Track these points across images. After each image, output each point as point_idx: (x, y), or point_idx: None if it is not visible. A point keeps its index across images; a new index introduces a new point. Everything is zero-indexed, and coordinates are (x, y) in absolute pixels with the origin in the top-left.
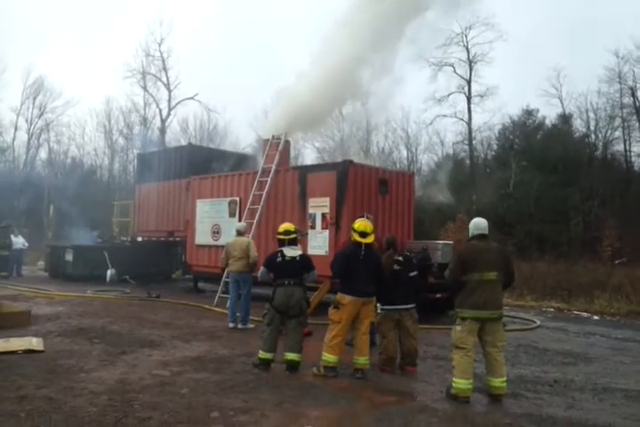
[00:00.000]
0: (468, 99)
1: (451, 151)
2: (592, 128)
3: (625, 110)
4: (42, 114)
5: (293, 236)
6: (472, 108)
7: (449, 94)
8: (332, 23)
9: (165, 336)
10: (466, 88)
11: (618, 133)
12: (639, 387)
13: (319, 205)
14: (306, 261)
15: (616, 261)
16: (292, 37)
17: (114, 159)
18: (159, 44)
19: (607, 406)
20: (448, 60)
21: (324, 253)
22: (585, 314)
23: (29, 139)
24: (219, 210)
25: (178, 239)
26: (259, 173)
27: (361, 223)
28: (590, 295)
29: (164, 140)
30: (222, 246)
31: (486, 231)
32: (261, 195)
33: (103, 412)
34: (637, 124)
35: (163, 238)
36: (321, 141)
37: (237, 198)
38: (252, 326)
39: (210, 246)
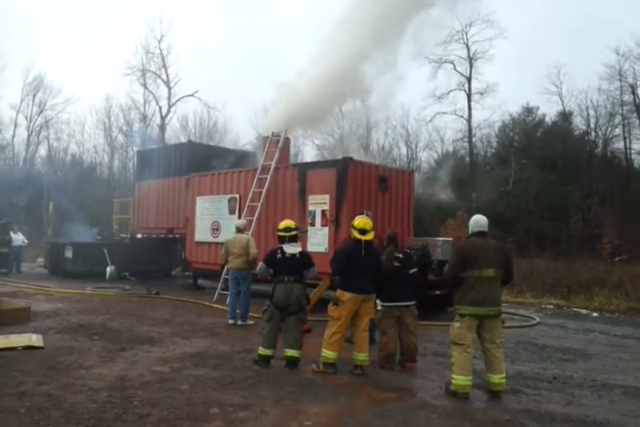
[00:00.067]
0: (468, 96)
1: (450, 149)
2: (592, 126)
3: (625, 108)
4: (41, 111)
5: (294, 233)
6: (472, 106)
7: (449, 91)
8: (333, 20)
9: (165, 333)
10: (466, 85)
11: (618, 131)
12: (638, 383)
13: (319, 203)
14: (306, 258)
15: (615, 259)
16: (292, 34)
17: (113, 156)
18: (159, 42)
19: (606, 402)
20: (448, 58)
21: (323, 251)
22: (584, 311)
23: (29, 136)
24: (218, 207)
25: (177, 236)
26: (258, 171)
27: (360, 220)
28: (590, 292)
29: (164, 138)
30: (222, 243)
31: (486, 229)
32: (261, 192)
33: (103, 408)
34: (637, 121)
35: (162, 235)
36: (321, 139)
37: (237, 195)
38: (251, 322)
39: (209, 243)
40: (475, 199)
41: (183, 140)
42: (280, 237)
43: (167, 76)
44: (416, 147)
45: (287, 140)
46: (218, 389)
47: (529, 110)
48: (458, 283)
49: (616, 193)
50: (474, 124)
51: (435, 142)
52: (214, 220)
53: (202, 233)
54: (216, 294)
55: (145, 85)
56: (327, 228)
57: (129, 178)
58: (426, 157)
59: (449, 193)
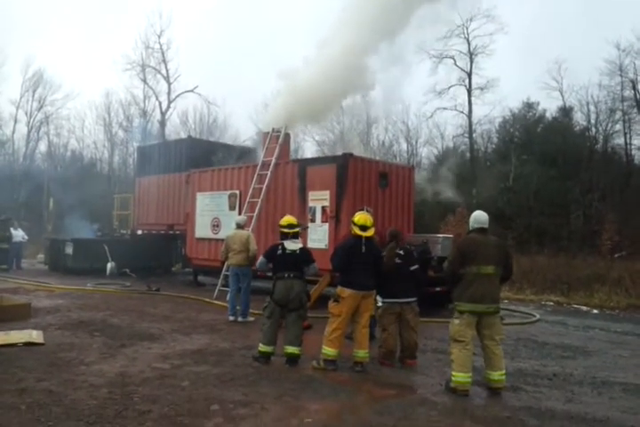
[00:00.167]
0: (469, 91)
1: (451, 144)
2: (592, 121)
3: (626, 103)
4: (41, 107)
5: (297, 230)
6: (472, 101)
7: (449, 87)
8: (336, 12)
9: (165, 329)
10: (466, 81)
11: (618, 127)
12: (638, 381)
13: (319, 199)
14: (306, 255)
15: (616, 255)
16: (292, 30)
17: (114, 152)
18: (159, 37)
19: (606, 399)
20: (448, 53)
21: (323, 247)
22: (584, 308)
23: (29, 132)
24: (219, 203)
25: (178, 232)
26: (259, 167)
27: (361, 216)
28: (590, 289)
29: (164, 133)
30: (222, 240)
31: (486, 225)
32: (261, 188)
33: (103, 405)
34: (638, 117)
35: (163, 232)
36: (321, 134)
37: (237, 191)
38: (251, 319)
39: (210, 240)
40: (475, 195)
41: (183, 135)
42: (284, 233)
43: (167, 71)
44: (416, 143)
45: (287, 135)
46: (218, 385)
47: (529, 106)
48: (457, 279)
49: (616, 189)
50: (474, 119)
51: (435, 138)
52: (214, 216)
53: (202, 229)
54: (216, 291)
55: (145, 81)
56: (327, 224)
57: (129, 174)
58: (426, 153)
59: (454, 191)
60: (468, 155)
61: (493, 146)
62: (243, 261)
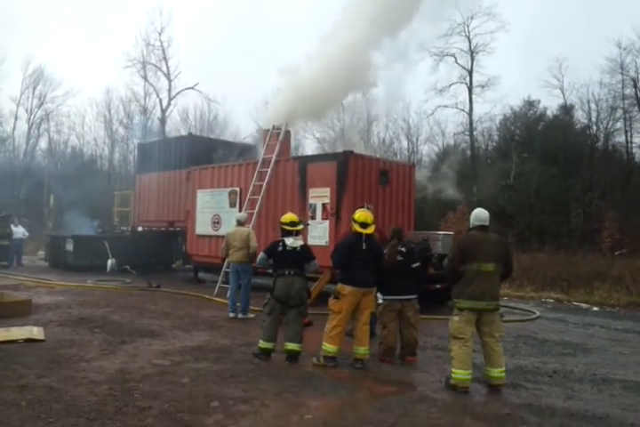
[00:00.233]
0: (470, 89)
1: (451, 142)
2: (593, 119)
3: (627, 101)
4: (42, 104)
5: (300, 227)
6: (473, 99)
7: (450, 85)
8: (339, 7)
9: (166, 326)
10: (467, 78)
11: (619, 125)
12: (638, 378)
13: (319, 196)
14: (306, 252)
15: (616, 253)
16: (293, 27)
17: (114, 149)
18: (159, 34)
19: (606, 396)
20: (449, 51)
21: (324, 244)
22: (584, 305)
23: (29, 128)
24: (219, 200)
25: (178, 229)
26: (259, 164)
27: (361, 214)
28: (590, 286)
29: (165, 131)
30: (222, 236)
31: (487, 222)
32: (262, 185)
33: (103, 401)
34: (639, 115)
35: (163, 228)
36: (321, 132)
37: (238, 189)
38: (252, 315)
39: (210, 236)
40: (476, 193)
41: (184, 133)
42: (287, 231)
43: (167, 68)
44: (417, 140)
45: (288, 133)
46: (218, 382)
47: (530, 104)
48: (457, 276)
49: (617, 187)
50: (475, 117)
51: (436, 136)
52: (215, 213)
53: (202, 226)
54: (217, 288)
55: (145, 78)
56: (328, 221)
57: (129, 171)
58: (427, 151)
59: (455, 189)
60: (468, 152)
61: (494, 144)
62: (243, 258)
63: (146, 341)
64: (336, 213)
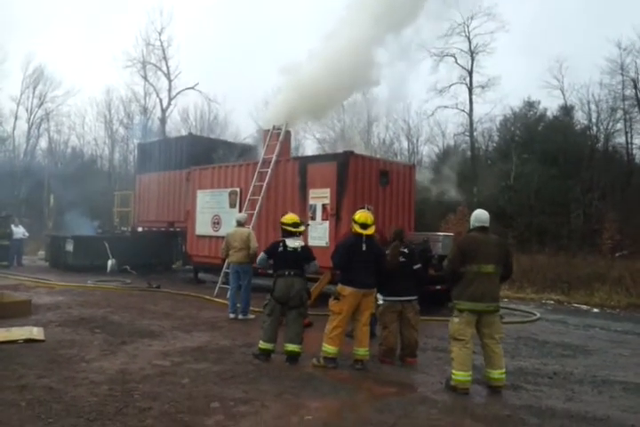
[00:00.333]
0: (470, 90)
1: (452, 143)
2: (594, 120)
3: (627, 102)
4: (42, 103)
5: (302, 229)
6: (473, 100)
7: (450, 85)
8: (343, 3)
9: (166, 327)
10: (467, 79)
11: (619, 126)
12: (638, 380)
13: (320, 196)
14: (307, 252)
15: (616, 254)
16: (293, 27)
17: (114, 149)
18: (159, 34)
19: (606, 398)
20: (449, 51)
21: (324, 245)
22: (585, 307)
23: (29, 128)
24: (219, 200)
25: (178, 230)
26: (259, 164)
27: (362, 214)
28: (590, 288)
29: (165, 131)
30: (223, 237)
31: (487, 224)
32: (262, 186)
33: (104, 402)
34: (639, 116)
35: (163, 229)
36: (321, 132)
37: (238, 189)
38: (252, 316)
39: (210, 237)
40: (476, 194)
41: (184, 133)
42: (290, 231)
43: (168, 68)
44: (417, 141)
45: (288, 133)
46: (218, 383)
47: (530, 104)
48: (457, 278)
49: (617, 188)
50: (475, 117)
51: (436, 136)
52: (215, 213)
53: (202, 227)
54: (217, 288)
55: (145, 78)
56: (328, 222)
57: (130, 171)
58: (427, 151)
59: (456, 190)
60: (468, 153)
61: (494, 144)
62: (243, 259)
63: (146, 341)
64: (336, 214)
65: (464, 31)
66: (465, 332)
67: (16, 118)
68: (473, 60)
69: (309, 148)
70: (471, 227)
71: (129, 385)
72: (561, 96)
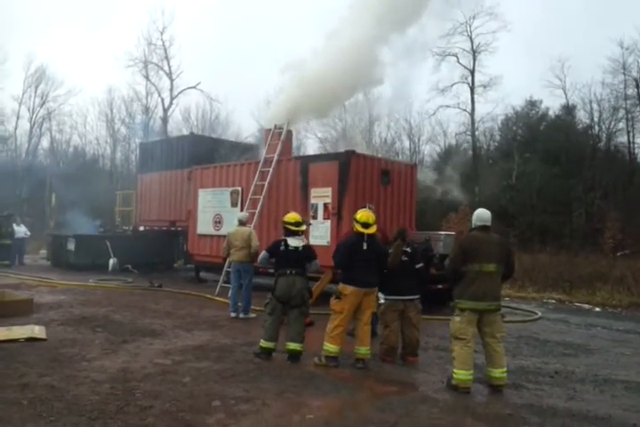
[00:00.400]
0: (472, 89)
1: (453, 142)
2: (596, 119)
3: (629, 102)
4: (44, 103)
5: (304, 228)
6: (475, 99)
7: (452, 84)
8: (345, 4)
9: (167, 325)
10: (469, 78)
11: (621, 125)
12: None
13: (321, 196)
14: (308, 252)
15: (618, 253)
16: (295, 27)
17: (116, 148)
18: (161, 33)
19: (608, 397)
20: (451, 50)
21: (325, 244)
22: (586, 306)
23: (31, 128)
24: (221, 200)
25: (180, 229)
26: (261, 163)
27: (363, 214)
28: (592, 287)
29: (167, 130)
30: (224, 236)
31: (489, 223)
32: (263, 185)
33: (105, 400)
34: None
35: (165, 228)
36: (323, 131)
37: (239, 188)
38: (253, 315)
39: (212, 236)
40: (477, 193)
41: (185, 132)
42: (292, 231)
43: (169, 67)
44: (419, 140)
45: (289, 132)
46: (219, 381)
47: (532, 104)
48: (458, 277)
49: (619, 187)
50: (477, 117)
51: (437, 136)
52: (216, 212)
53: (204, 226)
54: (218, 287)
55: (147, 77)
56: (329, 221)
57: (131, 170)
58: (428, 151)
59: (459, 190)
60: (470, 153)
61: (496, 144)
62: (244, 258)
63: (147, 340)
64: (337, 213)
65: (466, 31)
66: (466, 331)
67: (18, 118)
68: (475, 59)
69: (311, 147)
70: (473, 226)
71: (130, 384)
72: (563, 95)
